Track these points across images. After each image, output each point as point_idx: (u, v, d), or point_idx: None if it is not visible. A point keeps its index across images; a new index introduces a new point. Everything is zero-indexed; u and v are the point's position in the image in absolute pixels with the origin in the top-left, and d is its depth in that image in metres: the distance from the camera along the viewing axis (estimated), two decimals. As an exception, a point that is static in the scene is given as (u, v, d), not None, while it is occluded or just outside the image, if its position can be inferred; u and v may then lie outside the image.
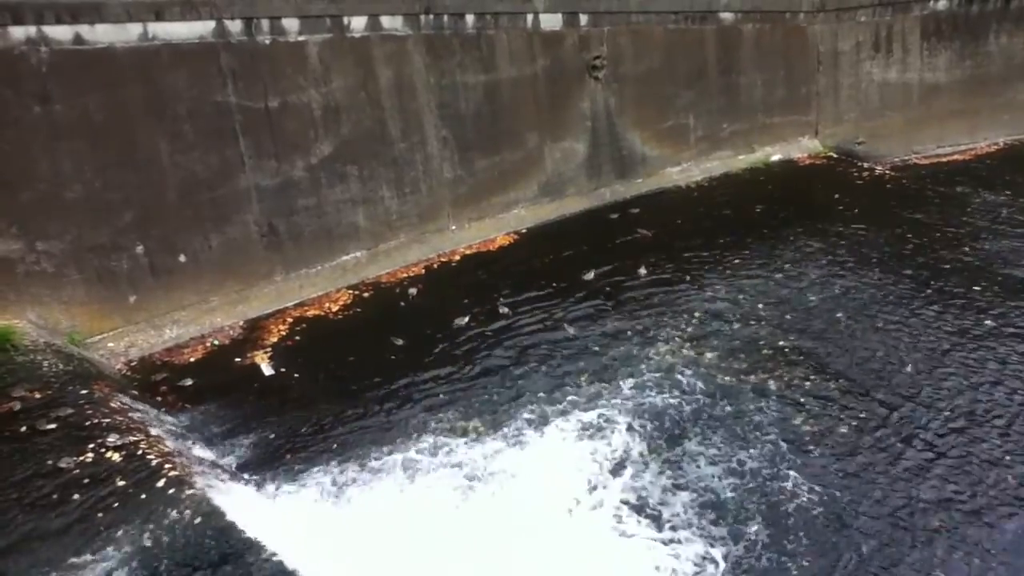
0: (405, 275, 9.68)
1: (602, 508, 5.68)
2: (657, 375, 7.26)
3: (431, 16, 9.87)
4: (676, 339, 7.90)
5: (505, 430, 6.53)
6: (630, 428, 6.50)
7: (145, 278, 8.07)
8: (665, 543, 5.34)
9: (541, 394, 7.04)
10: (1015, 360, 7.28)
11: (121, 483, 5.09)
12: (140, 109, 7.83)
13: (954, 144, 14.80)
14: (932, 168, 13.72)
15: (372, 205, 9.77)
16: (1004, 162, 13.82)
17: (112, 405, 6.11)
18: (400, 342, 8.00)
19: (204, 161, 8.31)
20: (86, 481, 5.11)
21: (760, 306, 8.52)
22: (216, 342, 8.10)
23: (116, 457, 5.35)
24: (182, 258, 8.30)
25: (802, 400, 6.81)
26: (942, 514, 5.49)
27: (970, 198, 11.79)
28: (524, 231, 11.02)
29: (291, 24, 8.74)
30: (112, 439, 5.52)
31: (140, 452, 5.42)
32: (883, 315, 8.20)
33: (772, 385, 7.05)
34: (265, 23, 8.54)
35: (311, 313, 8.75)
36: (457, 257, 10.24)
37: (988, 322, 7.94)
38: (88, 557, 4.52)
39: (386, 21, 9.53)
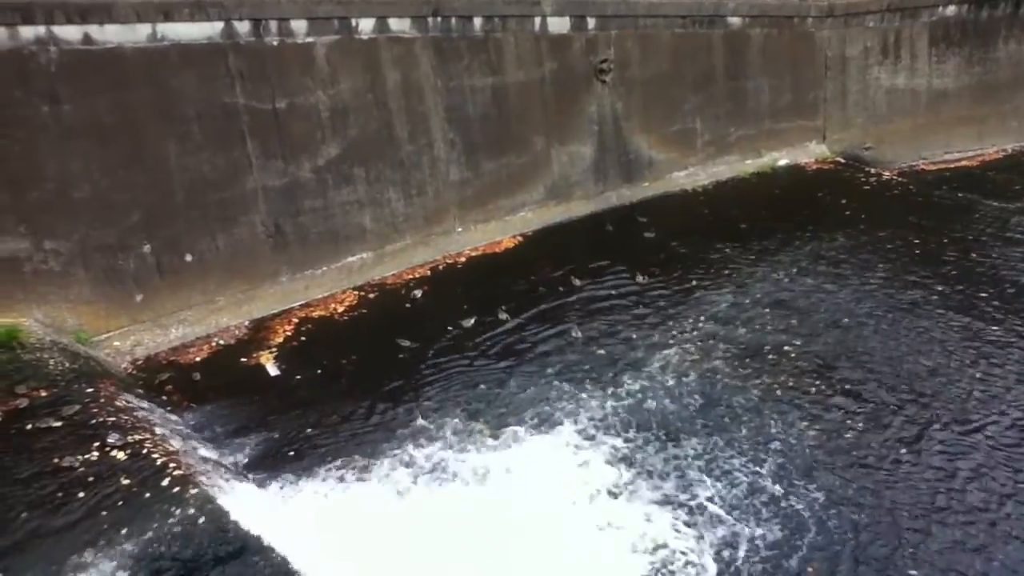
0: (411, 277, 9.69)
1: (603, 510, 5.67)
2: (662, 378, 7.25)
3: (439, 19, 9.89)
4: (681, 343, 7.89)
5: (510, 431, 6.52)
6: (635, 431, 6.50)
7: (152, 278, 8.09)
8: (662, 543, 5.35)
9: (547, 396, 7.03)
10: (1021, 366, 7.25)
11: (126, 482, 5.09)
12: (148, 110, 7.86)
13: (962, 150, 14.71)
14: (939, 174, 13.65)
15: (378, 207, 9.78)
16: (1012, 169, 13.72)
17: (117, 404, 6.13)
18: (406, 343, 8.01)
19: (212, 162, 8.34)
20: (91, 479, 5.11)
21: (766, 311, 8.50)
22: (222, 342, 8.12)
23: (121, 456, 5.35)
24: (189, 258, 8.32)
25: (806, 404, 6.80)
26: (950, 517, 5.47)
27: (977, 205, 11.73)
28: (530, 234, 11.01)
29: (299, 26, 8.76)
30: (117, 438, 5.52)
31: (145, 451, 5.42)
32: (888, 321, 8.17)
33: (777, 390, 7.03)
34: (273, 24, 8.57)
35: (317, 314, 8.77)
36: (463, 259, 10.24)
37: (995, 328, 7.91)
38: (92, 556, 4.52)
39: (394, 23, 9.54)
